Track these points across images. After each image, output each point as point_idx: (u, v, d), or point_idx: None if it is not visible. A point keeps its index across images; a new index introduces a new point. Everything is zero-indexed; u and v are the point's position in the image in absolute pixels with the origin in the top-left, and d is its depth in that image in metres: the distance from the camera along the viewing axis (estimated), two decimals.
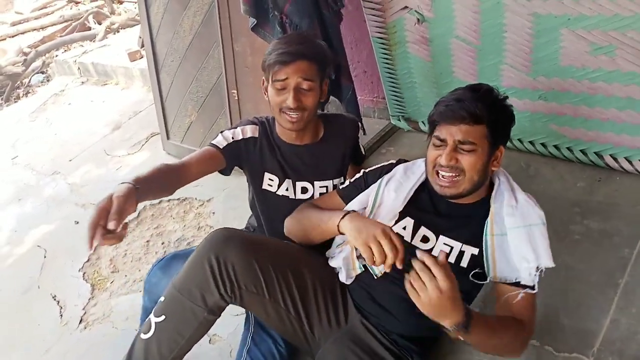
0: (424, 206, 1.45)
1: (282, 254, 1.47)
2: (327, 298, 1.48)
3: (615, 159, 2.16)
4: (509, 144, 2.36)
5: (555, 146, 2.29)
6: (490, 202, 1.39)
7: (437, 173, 1.35)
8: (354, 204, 1.51)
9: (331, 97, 2.44)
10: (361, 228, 1.26)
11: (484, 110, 1.29)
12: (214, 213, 2.62)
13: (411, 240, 1.42)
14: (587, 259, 1.84)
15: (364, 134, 2.55)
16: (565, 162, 2.31)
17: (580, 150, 2.24)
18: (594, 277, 1.77)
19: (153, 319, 1.38)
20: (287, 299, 1.42)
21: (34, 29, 7.25)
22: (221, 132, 1.69)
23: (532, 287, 1.33)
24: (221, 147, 1.63)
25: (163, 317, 1.36)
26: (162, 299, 1.39)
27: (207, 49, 2.64)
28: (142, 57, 4.49)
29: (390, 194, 1.46)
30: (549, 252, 1.34)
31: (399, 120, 2.78)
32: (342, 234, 1.35)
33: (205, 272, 1.33)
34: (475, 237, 1.38)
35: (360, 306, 1.48)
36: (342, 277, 1.50)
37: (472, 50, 2.25)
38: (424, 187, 1.46)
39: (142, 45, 4.28)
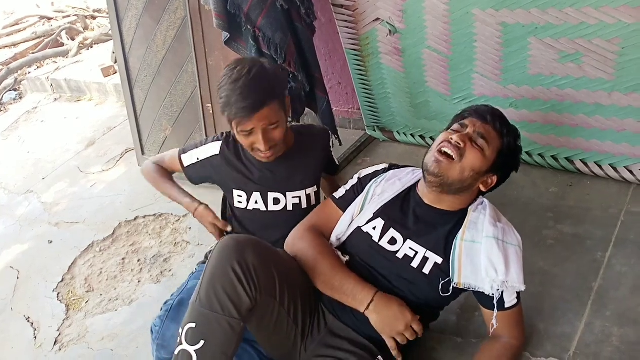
0: (401, 210, 1.49)
1: (286, 262, 1.48)
2: (313, 307, 1.48)
3: (585, 164, 2.20)
4: None
5: (527, 152, 2.32)
6: (468, 211, 1.43)
7: (439, 151, 1.39)
8: (349, 212, 1.55)
9: (307, 109, 2.46)
10: (387, 322, 1.36)
11: (506, 131, 1.43)
12: (190, 228, 2.59)
13: (379, 241, 1.45)
14: (560, 263, 1.86)
15: (340, 144, 2.58)
16: (537, 168, 2.34)
17: (552, 156, 2.27)
18: (568, 280, 1.79)
19: (191, 349, 1.25)
20: (291, 306, 1.40)
21: (6, 46, 7.14)
22: (189, 149, 1.80)
23: (516, 305, 1.40)
24: (185, 165, 1.78)
25: (202, 342, 1.25)
26: (191, 325, 1.27)
27: (181, 64, 2.63)
28: (115, 73, 4.45)
29: (375, 198, 1.52)
30: (521, 275, 1.37)
31: (374, 130, 2.80)
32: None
33: (232, 280, 1.26)
34: (442, 246, 1.40)
35: (337, 317, 1.49)
36: None
37: (443, 60, 2.28)
38: (408, 194, 1.51)
39: (116, 61, 4.24)
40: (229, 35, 2.25)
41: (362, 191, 1.57)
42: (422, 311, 1.44)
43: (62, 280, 2.48)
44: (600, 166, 2.17)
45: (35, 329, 2.25)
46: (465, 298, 1.80)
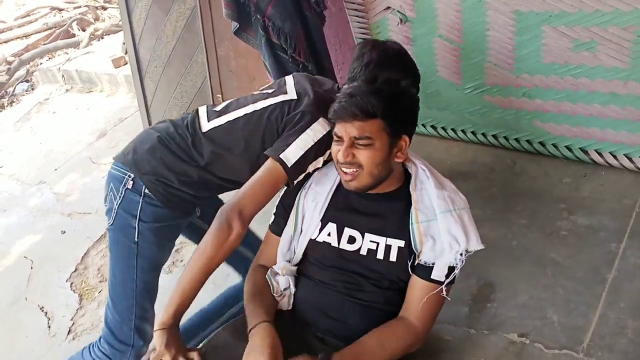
0: (344, 207, 1.43)
1: None
2: None
3: (600, 154, 2.18)
4: (494, 141, 2.39)
5: (541, 143, 2.29)
6: (410, 191, 1.39)
7: (341, 169, 1.35)
8: (286, 233, 1.47)
9: None
10: (249, 352, 1.23)
11: (378, 104, 1.27)
12: None
13: (338, 244, 1.39)
14: (574, 255, 1.85)
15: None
16: (550, 158, 2.32)
17: (565, 146, 2.25)
18: (581, 272, 1.77)
19: None
20: None
21: (18, 37, 7.18)
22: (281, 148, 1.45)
23: (442, 283, 1.33)
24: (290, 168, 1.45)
25: None
26: None
27: (191, 54, 2.63)
28: (126, 64, 4.46)
29: (309, 204, 1.45)
30: (478, 235, 1.36)
31: None
32: None
33: None
34: (399, 229, 1.36)
35: (314, 325, 1.42)
36: (285, 305, 1.44)
37: (455, 49, 2.25)
38: (340, 189, 1.44)
39: (126, 52, 4.25)
40: (238, 25, 2.24)
41: (292, 207, 1.49)
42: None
43: (75, 270, 2.50)
44: (615, 156, 2.14)
45: (49, 319, 2.28)
46: (478, 289, 1.81)
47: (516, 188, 2.21)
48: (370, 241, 1.38)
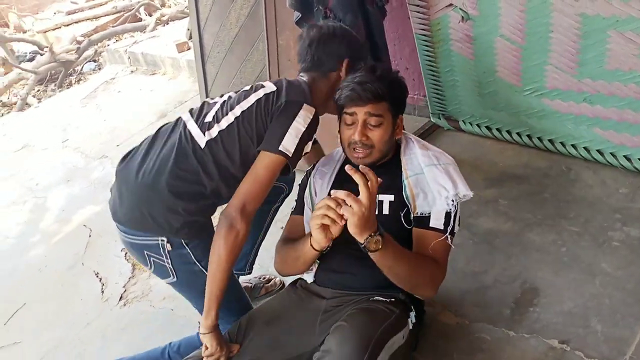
0: (346, 179, 1.46)
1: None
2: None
3: None
4: (550, 146, 2.36)
5: (599, 151, 2.24)
6: (400, 157, 1.56)
7: (353, 149, 1.50)
8: (306, 213, 1.64)
9: None
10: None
11: (385, 89, 1.46)
12: None
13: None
14: (625, 266, 1.80)
15: (403, 129, 2.57)
16: (608, 167, 2.25)
17: (624, 156, 2.18)
18: (631, 284, 1.73)
19: None
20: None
21: (88, 19, 7.53)
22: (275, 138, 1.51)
23: (444, 231, 1.44)
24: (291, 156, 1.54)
25: None
26: None
27: (252, 42, 2.70)
28: (189, 49, 4.61)
29: (318, 182, 1.64)
30: (466, 184, 1.49)
31: (439, 118, 2.77)
32: (317, 250, 1.43)
33: None
34: (389, 186, 1.50)
35: (327, 285, 1.55)
36: (308, 278, 1.60)
37: (516, 49, 2.22)
38: (343, 166, 1.57)
39: (190, 37, 4.39)
40: (300, 15, 2.29)
41: (305, 189, 1.67)
42: None
43: None
44: None
45: (103, 284, 2.40)
46: (522, 293, 1.79)
47: (570, 195, 2.17)
48: None
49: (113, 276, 2.44)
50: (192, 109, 1.63)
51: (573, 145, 2.30)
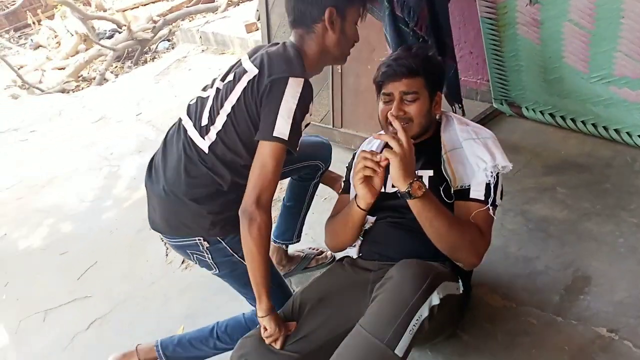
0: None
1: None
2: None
3: None
4: (616, 136, 2.29)
5: None
6: (440, 135, 1.61)
7: (390, 124, 1.50)
8: (353, 191, 1.67)
9: None
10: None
11: (419, 64, 1.53)
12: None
13: (385, 189, 1.59)
14: None
15: (463, 114, 2.56)
16: None
17: None
18: None
19: None
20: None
21: None
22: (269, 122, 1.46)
23: (485, 202, 1.47)
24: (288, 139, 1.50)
25: None
26: None
27: None
28: (257, 29, 4.73)
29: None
30: (504, 156, 1.53)
31: (502, 104, 2.73)
32: (363, 209, 1.50)
33: None
34: (429, 162, 1.57)
35: (373, 258, 1.61)
36: (353, 253, 1.68)
37: (585, 35, 2.16)
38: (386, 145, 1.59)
39: (259, 18, 4.50)
40: None
41: (351, 170, 1.70)
42: None
43: None
44: None
45: (167, 248, 2.57)
46: (573, 280, 1.78)
47: (633, 186, 2.10)
48: None
49: None
50: (189, 105, 1.63)
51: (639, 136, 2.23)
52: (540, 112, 2.57)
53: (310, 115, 1.51)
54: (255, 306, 1.60)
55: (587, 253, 1.87)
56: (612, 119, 2.30)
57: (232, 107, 1.49)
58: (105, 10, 7.91)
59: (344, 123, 2.86)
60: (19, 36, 8.36)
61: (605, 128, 2.33)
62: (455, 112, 2.53)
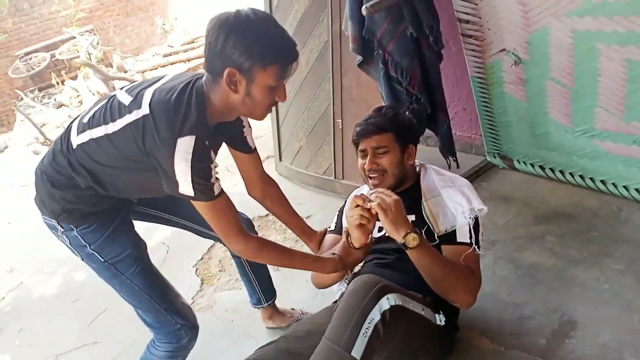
0: None
1: None
2: None
3: None
4: (602, 187, 2.40)
5: None
6: (420, 184, 1.76)
7: (369, 177, 1.74)
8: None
9: (427, 130, 2.62)
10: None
11: (388, 122, 1.72)
12: None
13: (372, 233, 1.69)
14: None
15: (457, 167, 2.70)
16: None
17: None
18: None
19: None
20: None
21: (182, 61, 8.23)
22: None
23: (470, 245, 1.60)
24: None
25: None
26: None
27: (320, 82, 2.95)
28: None
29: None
30: (479, 200, 1.67)
31: (494, 157, 2.87)
32: (357, 248, 1.64)
33: None
34: (410, 207, 1.67)
35: None
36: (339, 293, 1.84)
37: (566, 92, 2.31)
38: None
39: None
40: (362, 59, 2.51)
41: (343, 215, 1.89)
42: None
43: (201, 259, 2.90)
44: None
45: None
46: (559, 325, 1.85)
47: (618, 235, 2.19)
48: None
49: (183, 288, 2.70)
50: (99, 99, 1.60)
51: (625, 187, 2.33)
52: (531, 164, 2.70)
53: (215, 166, 1.42)
54: (142, 317, 1.79)
55: (573, 298, 1.94)
56: (598, 171, 2.41)
57: (114, 132, 1.43)
58: (126, 72, 8.31)
59: (345, 175, 3.01)
60: (42, 95, 8.78)
61: (592, 179, 2.45)
62: (450, 165, 2.68)
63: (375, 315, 1.32)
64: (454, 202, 1.65)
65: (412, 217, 1.68)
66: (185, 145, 1.33)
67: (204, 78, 1.42)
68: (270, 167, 3.71)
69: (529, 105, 2.51)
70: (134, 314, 2.59)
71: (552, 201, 2.52)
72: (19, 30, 9.11)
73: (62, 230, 1.61)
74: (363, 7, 2.22)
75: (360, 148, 1.77)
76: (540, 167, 2.66)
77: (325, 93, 2.93)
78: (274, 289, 2.22)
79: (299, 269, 1.71)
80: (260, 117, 1.47)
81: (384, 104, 2.53)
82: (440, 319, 1.56)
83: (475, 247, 1.61)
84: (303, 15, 2.92)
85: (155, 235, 3.26)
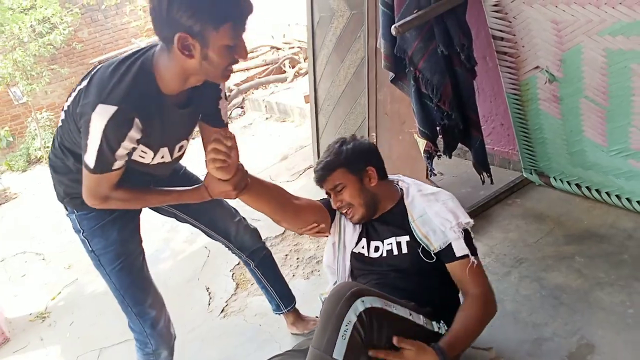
0: (369, 228, 1.82)
1: None
2: None
3: None
4: (627, 204, 2.34)
5: None
6: (404, 203, 1.77)
7: (342, 214, 1.82)
8: (329, 240, 1.89)
9: (459, 144, 2.64)
10: None
11: (333, 160, 1.75)
12: None
13: (368, 254, 1.78)
14: None
15: (492, 183, 2.69)
16: None
17: None
18: None
19: None
20: None
21: (241, 70, 8.50)
22: None
23: (469, 255, 1.63)
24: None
25: None
26: None
27: (356, 97, 3.03)
28: None
29: (349, 225, 1.84)
30: (465, 213, 1.70)
31: (531, 173, 2.83)
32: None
33: None
34: (401, 228, 1.74)
35: None
36: None
37: (600, 111, 2.27)
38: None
39: None
40: (394, 75, 2.57)
41: (334, 218, 1.88)
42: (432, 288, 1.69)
43: (238, 264, 3.03)
44: None
45: (211, 298, 2.82)
46: (577, 348, 1.82)
47: (634, 255, 2.13)
48: (387, 244, 1.74)
49: (219, 291, 2.85)
50: None
51: None
52: (567, 182, 2.65)
53: (137, 143, 1.42)
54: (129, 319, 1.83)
55: (595, 322, 1.91)
56: (635, 191, 2.34)
57: (66, 110, 1.48)
58: None
59: None
60: None
61: (628, 200, 2.38)
62: (483, 180, 2.67)
63: (351, 318, 1.37)
64: (440, 217, 1.67)
65: (406, 238, 1.73)
66: (101, 115, 1.31)
67: (158, 46, 1.37)
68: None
69: (564, 122, 2.48)
70: (172, 314, 2.78)
71: (585, 220, 2.46)
72: (94, 40, 9.72)
73: (67, 212, 1.73)
74: (392, 27, 2.28)
75: (325, 191, 1.83)
76: (577, 185, 2.60)
77: (361, 107, 3.00)
78: (292, 295, 2.31)
79: (160, 204, 1.79)
80: (223, 79, 1.41)
81: (415, 119, 2.58)
82: (439, 327, 1.60)
83: (473, 258, 1.65)
84: (342, 32, 3.01)
85: (198, 240, 3.44)
